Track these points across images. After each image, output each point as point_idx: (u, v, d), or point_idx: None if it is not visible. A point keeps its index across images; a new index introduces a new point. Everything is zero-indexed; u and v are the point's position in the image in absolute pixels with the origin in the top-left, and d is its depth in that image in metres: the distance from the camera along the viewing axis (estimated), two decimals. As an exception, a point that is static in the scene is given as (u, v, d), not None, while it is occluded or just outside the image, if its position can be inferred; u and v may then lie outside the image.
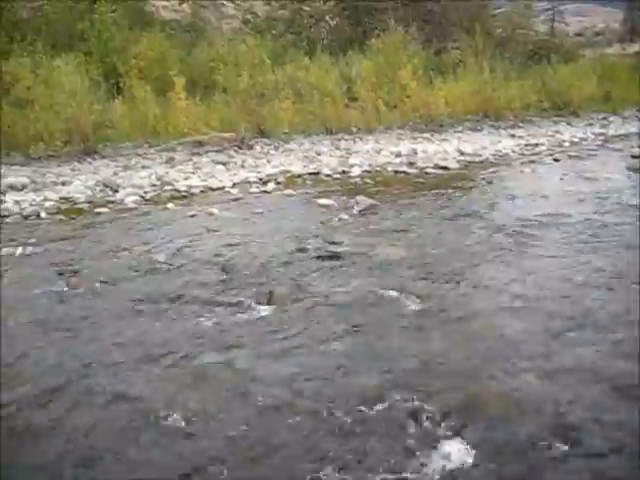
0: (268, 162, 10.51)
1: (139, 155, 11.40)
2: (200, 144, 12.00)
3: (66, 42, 15.16)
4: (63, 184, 9.02)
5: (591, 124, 15.11)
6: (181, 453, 2.65)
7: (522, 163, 10.25)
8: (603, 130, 14.13)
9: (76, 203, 8.06)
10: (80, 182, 9.06)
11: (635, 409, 2.80)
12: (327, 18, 22.55)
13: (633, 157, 10.32)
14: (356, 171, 9.62)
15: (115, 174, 9.69)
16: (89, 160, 11.04)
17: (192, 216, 7.16)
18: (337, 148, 11.79)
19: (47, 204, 7.87)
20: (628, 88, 17.74)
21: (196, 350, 3.62)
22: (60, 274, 5.17)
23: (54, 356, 3.61)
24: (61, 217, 7.33)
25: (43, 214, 7.43)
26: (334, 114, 13.51)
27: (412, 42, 16.43)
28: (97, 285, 4.87)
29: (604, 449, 2.56)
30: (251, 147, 11.81)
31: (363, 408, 2.90)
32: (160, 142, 12.19)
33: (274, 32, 20.67)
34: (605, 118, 15.96)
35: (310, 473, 2.47)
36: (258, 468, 2.54)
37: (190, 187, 8.72)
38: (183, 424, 2.87)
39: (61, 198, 8.22)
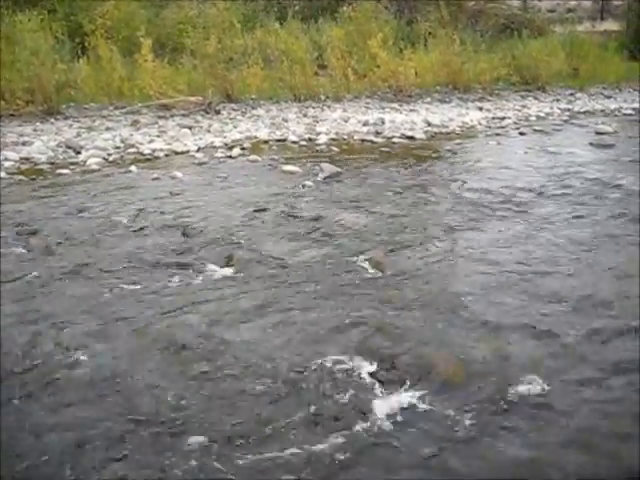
0: (234, 127, 10.42)
1: (103, 117, 11.21)
2: (166, 107, 11.83)
3: (29, -2, 14.71)
4: (24, 144, 8.84)
5: (558, 99, 15.20)
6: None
7: (488, 135, 10.31)
8: (569, 106, 14.23)
9: (37, 164, 7.93)
10: (42, 142, 8.90)
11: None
12: (299, -16, 22.23)
13: (597, 133, 10.46)
14: (323, 139, 9.60)
15: (78, 135, 9.54)
16: (52, 120, 10.82)
17: (155, 179, 7.10)
18: (305, 115, 11.73)
19: (7, 164, 7.72)
20: (595, 65, 17.86)
21: (148, 311, 3.63)
22: (19, 234, 5.11)
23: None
24: (21, 177, 7.21)
25: (2, 174, 7.28)
26: (303, 81, 13.39)
27: (384, 11, 16.28)
28: (56, 246, 4.84)
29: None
30: (218, 112, 11.68)
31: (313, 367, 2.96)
32: (125, 104, 11.99)
33: (245, -4, 20.28)
34: (572, 94, 16.06)
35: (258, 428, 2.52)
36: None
37: (154, 150, 8.62)
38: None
39: (22, 158, 8.08)
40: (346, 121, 11.14)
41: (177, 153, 8.60)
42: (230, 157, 8.34)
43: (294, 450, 2.39)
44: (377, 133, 10.18)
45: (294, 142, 9.46)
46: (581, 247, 4.69)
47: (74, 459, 2.35)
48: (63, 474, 2.28)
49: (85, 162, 7.95)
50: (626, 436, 2.47)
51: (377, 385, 2.82)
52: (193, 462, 2.33)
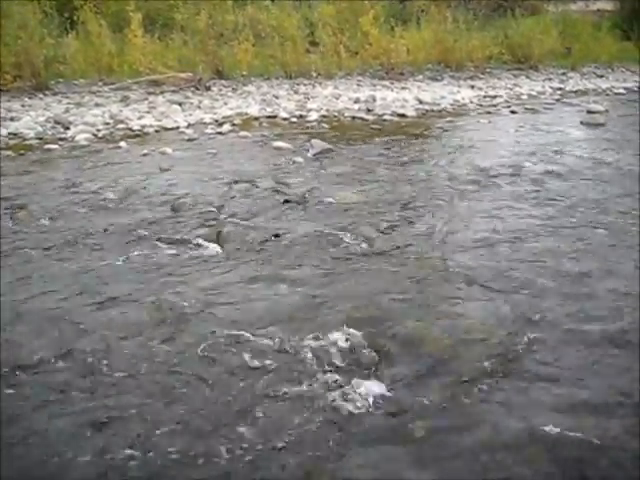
0: (225, 104, 10.36)
1: (93, 93, 11.13)
2: (156, 83, 11.74)
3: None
4: (12, 119, 8.78)
5: (550, 79, 15.15)
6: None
7: (479, 114, 10.28)
8: (561, 85, 14.20)
9: (25, 139, 7.88)
10: (30, 118, 8.83)
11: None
12: (291, -41, 21.98)
13: (588, 112, 10.45)
14: (313, 116, 9.55)
15: (67, 111, 9.47)
16: (40, 96, 10.74)
17: (145, 155, 7.06)
18: (296, 92, 11.66)
19: (-5, 139, 7.69)
20: (588, 45, 17.78)
21: (138, 284, 3.63)
22: (6, 209, 5.08)
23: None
24: (9, 153, 7.16)
25: (-10, 149, 7.25)
26: (294, 58, 13.29)
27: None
28: (43, 221, 4.82)
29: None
30: (208, 88, 11.60)
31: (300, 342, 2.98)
32: (115, 80, 11.89)
33: (236, -29, 20.05)
34: (564, 73, 16.00)
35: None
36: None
37: (144, 126, 8.58)
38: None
39: (10, 133, 8.03)
40: (337, 98, 11.08)
41: (167, 129, 8.55)
42: (220, 133, 8.30)
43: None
44: (368, 110, 10.14)
45: (285, 119, 9.42)
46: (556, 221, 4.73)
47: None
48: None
49: (74, 138, 7.90)
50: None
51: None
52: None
